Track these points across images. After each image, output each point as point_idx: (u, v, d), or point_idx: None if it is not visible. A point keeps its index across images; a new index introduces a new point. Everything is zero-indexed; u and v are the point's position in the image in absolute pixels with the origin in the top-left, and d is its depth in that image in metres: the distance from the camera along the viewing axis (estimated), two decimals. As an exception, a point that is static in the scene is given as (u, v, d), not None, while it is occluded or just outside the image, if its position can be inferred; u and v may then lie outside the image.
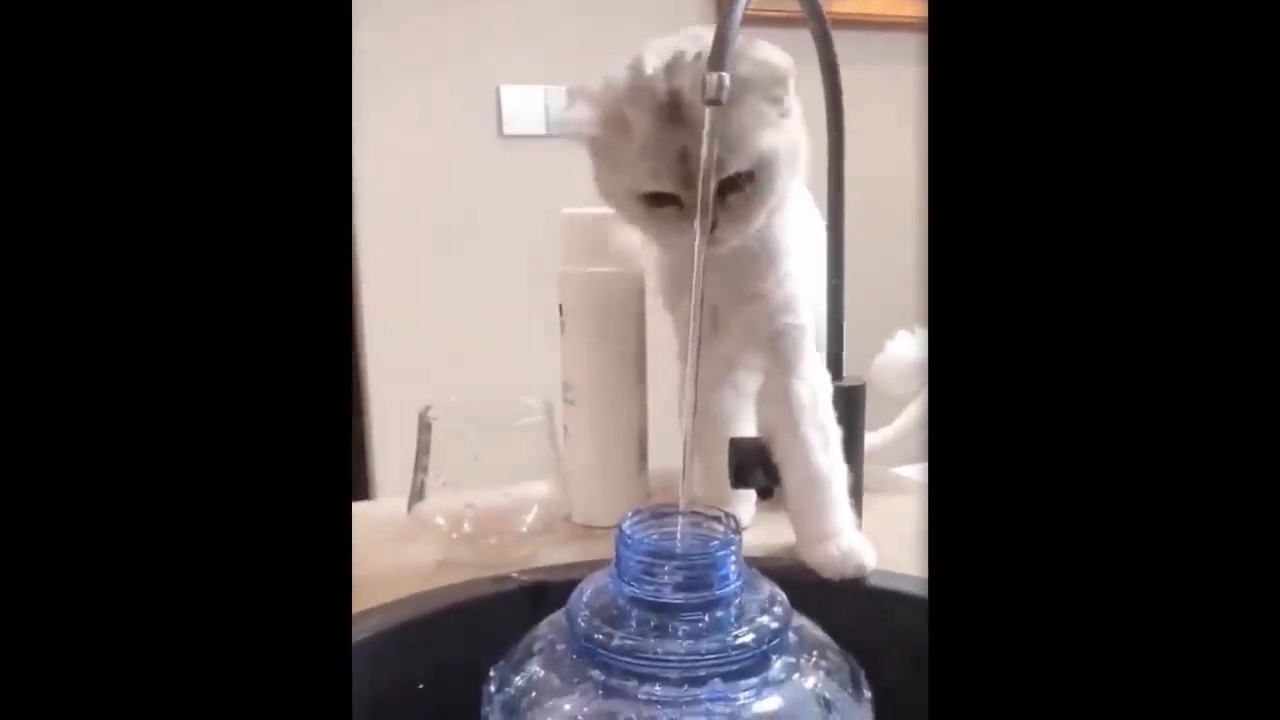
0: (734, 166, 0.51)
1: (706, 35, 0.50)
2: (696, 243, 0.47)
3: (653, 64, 0.50)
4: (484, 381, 1.94)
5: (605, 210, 0.64)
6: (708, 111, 0.46)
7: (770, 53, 0.51)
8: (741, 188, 0.52)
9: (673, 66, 0.50)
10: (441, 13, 1.96)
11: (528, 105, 2.07)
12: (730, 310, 0.59)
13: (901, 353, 0.74)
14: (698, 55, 0.50)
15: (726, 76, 0.45)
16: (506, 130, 2.06)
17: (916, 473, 0.76)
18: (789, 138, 0.53)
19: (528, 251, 1.85)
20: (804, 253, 0.60)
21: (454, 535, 0.61)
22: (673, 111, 0.50)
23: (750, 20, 0.49)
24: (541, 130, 2.09)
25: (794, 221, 0.59)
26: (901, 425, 0.76)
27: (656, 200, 0.52)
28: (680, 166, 0.50)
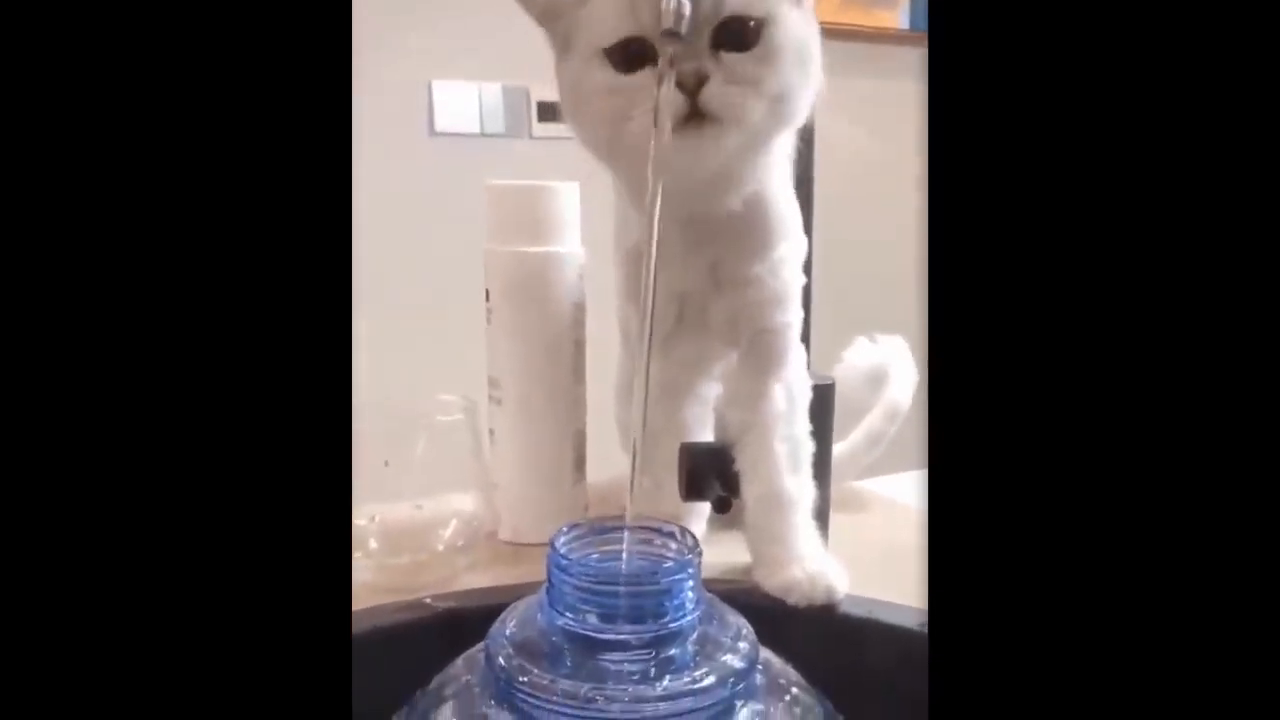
0: (735, 6, 0.43)
1: None
2: (658, 96, 0.40)
3: None
4: (397, 377, 1.91)
5: (537, 182, 0.60)
6: (661, 50, 0.40)
7: None
8: (742, 44, 0.43)
9: None
10: (369, 2, 1.93)
11: (461, 102, 2.09)
12: (710, 298, 0.53)
13: (861, 361, 0.73)
14: None
15: (686, 4, 0.39)
16: (438, 128, 2.07)
17: (878, 486, 0.77)
18: (800, 27, 0.45)
19: (452, 241, 1.84)
20: (800, 241, 0.54)
21: (358, 554, 0.58)
22: None
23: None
24: (476, 129, 2.11)
25: (791, 198, 0.53)
26: (860, 437, 0.74)
27: (626, 64, 0.44)
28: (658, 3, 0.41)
